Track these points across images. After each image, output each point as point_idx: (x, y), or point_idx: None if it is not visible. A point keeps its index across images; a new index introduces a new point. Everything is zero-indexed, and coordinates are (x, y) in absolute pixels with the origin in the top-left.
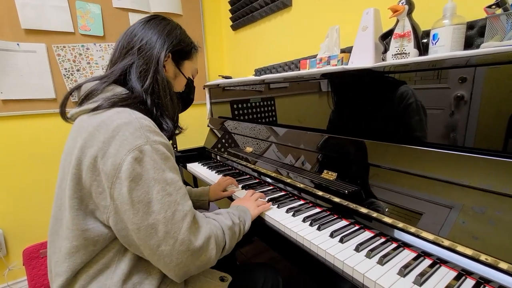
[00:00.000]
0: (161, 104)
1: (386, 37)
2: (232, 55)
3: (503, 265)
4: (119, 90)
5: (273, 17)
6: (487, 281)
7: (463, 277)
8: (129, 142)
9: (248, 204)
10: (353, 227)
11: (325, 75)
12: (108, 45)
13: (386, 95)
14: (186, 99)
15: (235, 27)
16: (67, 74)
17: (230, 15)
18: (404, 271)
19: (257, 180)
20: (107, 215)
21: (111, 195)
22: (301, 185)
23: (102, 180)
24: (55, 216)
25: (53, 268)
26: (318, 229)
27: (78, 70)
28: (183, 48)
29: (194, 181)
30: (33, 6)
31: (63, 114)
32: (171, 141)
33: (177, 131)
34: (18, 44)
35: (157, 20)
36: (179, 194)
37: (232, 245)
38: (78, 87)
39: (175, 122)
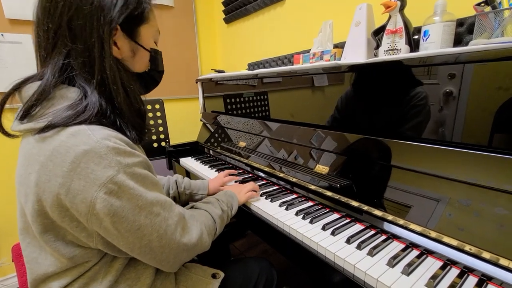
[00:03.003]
0: (117, 103)
1: (378, 33)
2: (225, 49)
3: (486, 254)
4: (71, 95)
5: (267, 10)
6: (471, 270)
7: (448, 267)
8: (97, 176)
9: (237, 190)
10: (344, 220)
11: (319, 70)
12: None
13: (380, 92)
14: (154, 75)
15: (228, 20)
16: None
17: (223, 8)
18: (393, 261)
19: (250, 175)
20: (94, 243)
21: (91, 228)
22: (294, 179)
23: (75, 215)
24: (32, 243)
25: (39, 287)
26: (311, 222)
27: None
28: (133, 11)
29: (187, 176)
30: None
31: (2, 130)
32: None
33: (144, 134)
34: (2, 35)
35: None
36: (165, 209)
37: (222, 229)
38: (18, 89)
39: (139, 125)
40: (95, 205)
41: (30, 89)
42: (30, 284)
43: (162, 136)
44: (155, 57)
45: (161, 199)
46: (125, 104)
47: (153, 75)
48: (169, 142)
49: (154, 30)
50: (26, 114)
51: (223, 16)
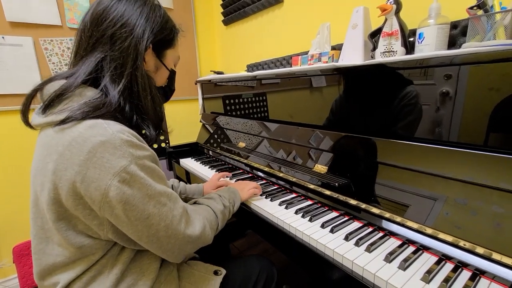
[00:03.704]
0: (141, 107)
1: (374, 35)
2: (224, 51)
3: (479, 249)
4: (90, 93)
5: (265, 12)
6: (465, 264)
7: (443, 262)
8: (112, 165)
9: (240, 187)
10: (343, 218)
11: (317, 72)
12: None
13: (377, 93)
14: (167, 91)
15: (226, 22)
16: (55, 68)
17: (222, 10)
18: (390, 257)
19: (250, 175)
20: (104, 232)
21: (102, 216)
22: (293, 179)
23: (88, 203)
24: (39, 235)
25: (45, 282)
26: (310, 220)
27: (66, 65)
28: (165, 36)
29: (187, 176)
30: None
31: (26, 122)
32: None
33: (159, 135)
34: (3, 37)
35: None
36: (171, 200)
37: (223, 224)
38: (41, 88)
39: (158, 126)
40: (109, 193)
41: (52, 88)
42: (37, 275)
43: (162, 137)
44: (173, 76)
45: (167, 191)
46: (151, 108)
47: (166, 91)
48: (169, 143)
49: (176, 55)
50: (48, 107)
51: (222, 18)
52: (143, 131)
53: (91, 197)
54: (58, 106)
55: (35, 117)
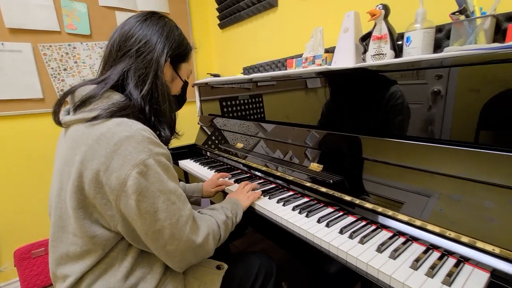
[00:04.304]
0: (159, 110)
1: (365, 38)
2: (220, 54)
3: (464, 239)
4: (117, 97)
5: (260, 16)
6: (451, 253)
7: (431, 251)
8: (133, 157)
9: (240, 196)
10: (338, 213)
11: (311, 74)
12: (95, 44)
13: (369, 93)
14: (180, 100)
15: (222, 26)
16: (54, 73)
17: (217, 14)
18: (381, 248)
19: (248, 175)
20: (114, 223)
21: (117, 206)
22: (290, 177)
23: (106, 192)
24: (57, 224)
25: (59, 270)
26: (307, 216)
27: (65, 70)
28: (181, 52)
29: (185, 177)
30: (17, 5)
31: (57, 121)
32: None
33: (173, 137)
34: (2, 44)
35: (154, 20)
36: (180, 200)
37: (226, 235)
38: (72, 91)
39: (173, 128)
40: (127, 182)
41: (84, 91)
42: (52, 263)
43: None
44: (185, 87)
45: (178, 191)
46: (168, 112)
47: (179, 100)
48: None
49: (189, 69)
50: (79, 106)
51: (218, 21)
52: (161, 133)
53: (111, 185)
54: (89, 106)
55: (64, 116)
